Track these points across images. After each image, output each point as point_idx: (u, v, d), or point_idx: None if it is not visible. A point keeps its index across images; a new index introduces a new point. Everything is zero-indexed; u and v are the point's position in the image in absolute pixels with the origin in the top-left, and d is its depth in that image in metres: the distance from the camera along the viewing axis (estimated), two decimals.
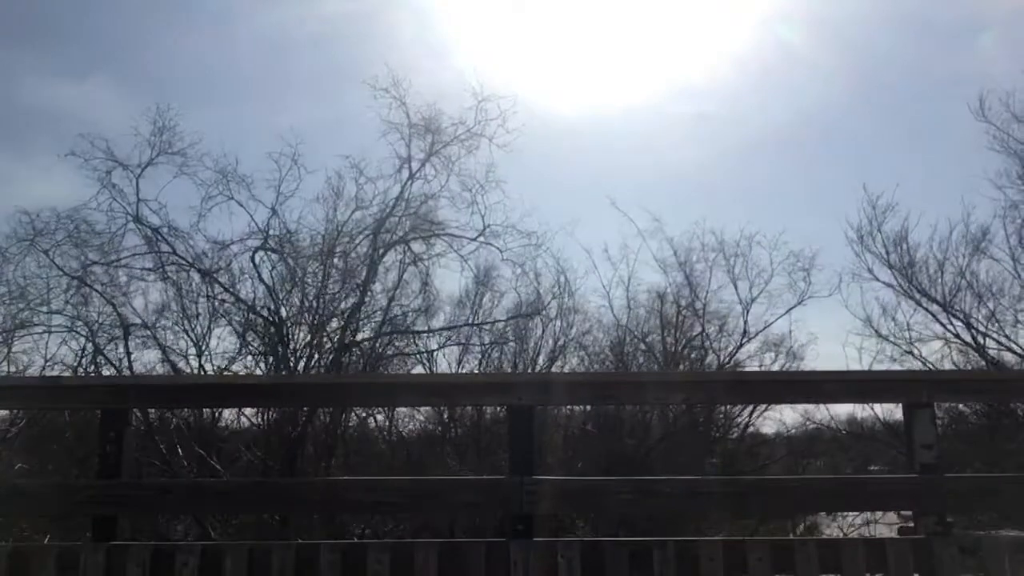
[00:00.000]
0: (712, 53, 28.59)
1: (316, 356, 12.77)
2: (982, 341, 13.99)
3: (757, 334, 15.67)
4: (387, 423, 15.38)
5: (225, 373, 12.27)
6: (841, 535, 14.92)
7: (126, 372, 11.94)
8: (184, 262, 12.50)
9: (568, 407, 13.62)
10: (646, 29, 27.85)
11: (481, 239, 13.54)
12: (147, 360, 12.62)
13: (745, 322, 15.52)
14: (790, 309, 15.46)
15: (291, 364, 12.45)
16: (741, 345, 15.62)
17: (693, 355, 16.39)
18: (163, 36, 26.18)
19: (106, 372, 12.04)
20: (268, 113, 25.75)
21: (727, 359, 15.64)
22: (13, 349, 12.08)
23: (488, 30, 25.38)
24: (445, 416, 14.93)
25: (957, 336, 14.21)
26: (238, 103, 27.86)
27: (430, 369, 14.39)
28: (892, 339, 14.54)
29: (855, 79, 30.26)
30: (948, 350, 14.42)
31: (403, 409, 14.49)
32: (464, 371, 14.47)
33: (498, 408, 10.68)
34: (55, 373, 11.88)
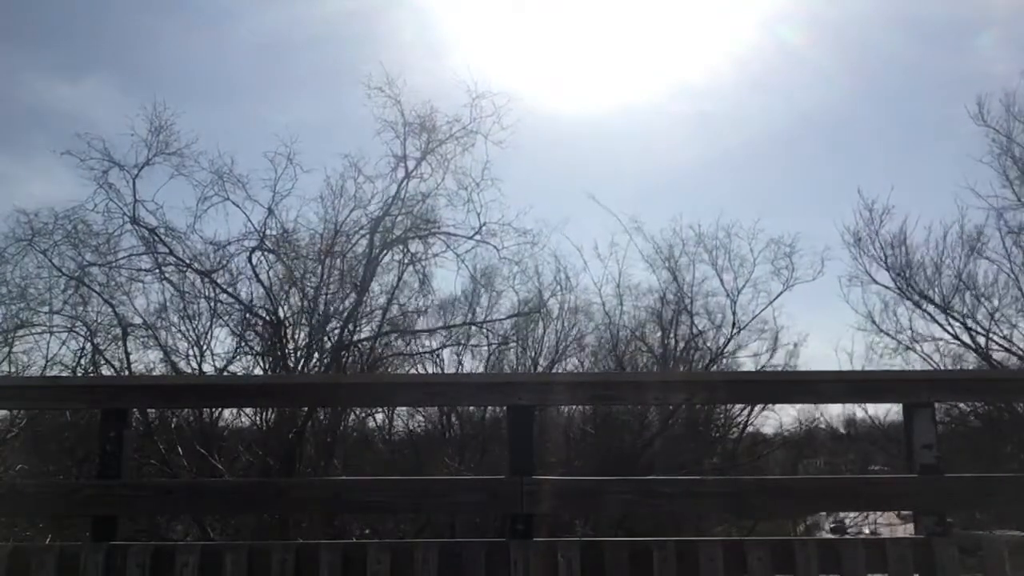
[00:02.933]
0: (712, 53, 28.61)
1: (315, 356, 12.77)
2: (981, 341, 14.01)
3: (747, 324, 15.69)
4: (387, 423, 15.39)
5: (224, 373, 12.26)
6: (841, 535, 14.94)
7: (125, 372, 11.93)
8: (182, 263, 12.49)
9: (568, 407, 13.61)
10: (646, 29, 27.86)
11: (478, 237, 13.53)
12: (147, 360, 12.62)
13: (734, 313, 15.54)
14: (778, 295, 15.49)
15: (290, 364, 12.44)
16: (732, 337, 15.63)
17: (682, 349, 16.42)
18: (161, 35, 26.20)
19: (105, 372, 12.03)
20: (266, 112, 25.79)
21: (719, 352, 15.64)
22: (13, 349, 12.07)
23: (488, 30, 25.41)
24: (445, 416, 14.94)
25: (956, 336, 14.24)
26: (237, 102, 27.89)
27: (432, 368, 14.39)
28: (892, 335, 14.58)
29: (855, 79, 30.27)
30: (947, 350, 14.45)
31: (403, 409, 14.49)
32: (465, 371, 14.45)
33: (498, 408, 10.67)
34: (55, 373, 11.86)
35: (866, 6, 29.62)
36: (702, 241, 15.86)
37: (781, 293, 15.52)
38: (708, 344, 15.88)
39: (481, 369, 14.79)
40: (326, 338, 12.98)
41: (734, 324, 15.42)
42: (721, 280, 15.62)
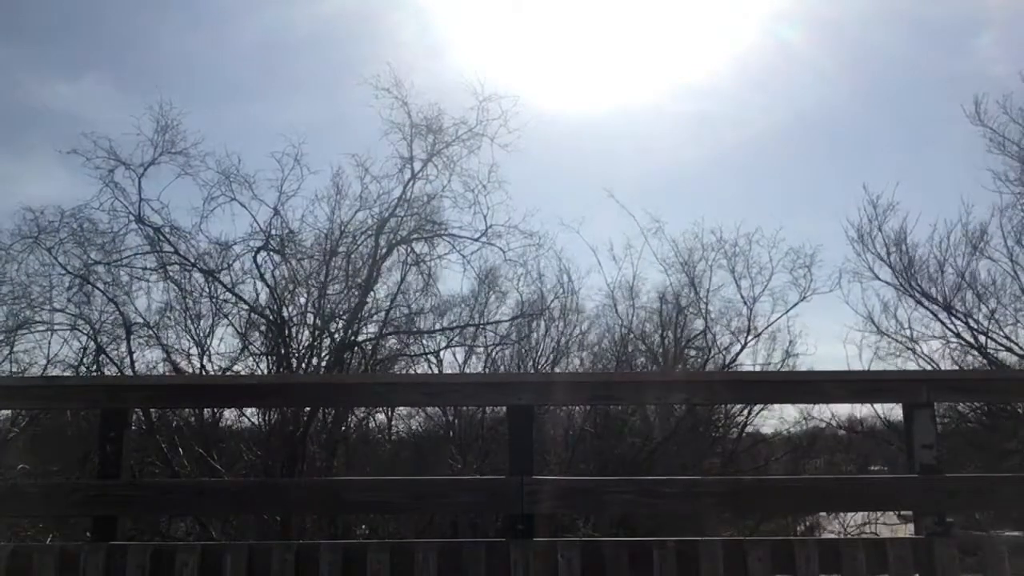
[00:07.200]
0: (713, 53, 28.60)
1: (318, 356, 12.77)
2: (982, 340, 14.00)
3: (761, 332, 15.63)
4: (388, 423, 15.40)
5: (227, 373, 12.27)
6: (841, 533, 14.93)
7: (128, 372, 11.93)
8: (186, 262, 12.49)
9: (568, 407, 13.60)
10: (647, 29, 27.86)
11: (483, 239, 13.51)
12: (149, 360, 12.62)
13: (749, 320, 15.49)
14: (794, 305, 15.41)
15: (293, 364, 12.44)
16: (745, 344, 15.58)
17: (694, 355, 16.38)
18: (162, 34, 26.21)
19: (108, 372, 12.02)
20: (269, 113, 25.77)
21: (732, 359, 15.60)
22: (15, 348, 12.07)
23: (488, 30, 25.40)
24: (447, 416, 14.94)
25: (958, 335, 14.22)
26: (238, 102, 27.90)
27: (436, 370, 14.37)
28: (893, 336, 14.57)
29: (855, 79, 30.26)
30: (948, 349, 14.44)
31: (404, 409, 14.49)
32: (467, 371, 14.45)
33: (500, 408, 10.66)
34: (57, 372, 11.87)
35: (866, 6, 29.62)
36: (722, 246, 15.77)
37: (797, 303, 15.46)
38: (722, 350, 15.84)
39: (482, 369, 14.77)
40: (330, 338, 13.00)
41: (749, 331, 15.41)
42: (738, 286, 15.58)
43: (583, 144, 27.21)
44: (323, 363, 12.71)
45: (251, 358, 12.94)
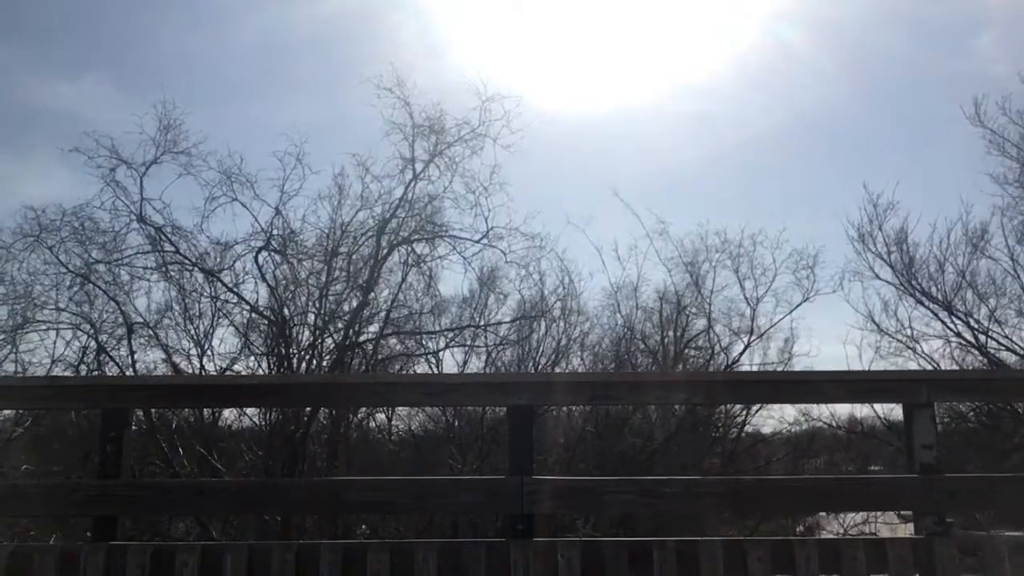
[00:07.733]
0: (713, 53, 28.56)
1: (318, 356, 12.77)
2: (983, 340, 14.00)
3: (764, 333, 15.61)
4: (388, 423, 15.40)
5: (227, 373, 12.27)
6: (841, 533, 14.92)
7: (129, 371, 11.93)
8: (187, 261, 12.49)
9: (569, 407, 13.58)
10: (647, 29, 27.84)
11: (484, 241, 13.50)
12: (150, 359, 12.62)
13: (752, 321, 15.49)
14: (797, 306, 15.40)
15: (293, 364, 12.44)
16: (748, 344, 15.58)
17: (695, 355, 16.37)
18: (162, 34, 26.18)
19: (109, 371, 12.02)
20: (269, 113, 25.73)
21: (735, 359, 15.59)
22: (18, 348, 12.05)
23: (489, 30, 25.35)
24: (448, 416, 14.94)
25: (958, 334, 14.22)
26: (238, 102, 27.88)
27: (436, 370, 14.36)
28: (893, 335, 14.58)
29: (855, 79, 30.24)
30: (948, 348, 14.45)
31: (404, 409, 14.48)
32: (467, 372, 14.43)
33: (498, 408, 10.66)
34: (58, 372, 11.87)
35: (866, 6, 29.57)
36: (727, 248, 15.74)
37: (800, 304, 15.45)
38: (724, 349, 15.83)
39: (482, 370, 14.76)
40: (330, 339, 13.00)
41: (752, 331, 15.39)
42: (742, 287, 15.56)
43: (583, 144, 27.17)
44: (324, 363, 12.71)
45: (252, 358, 12.95)
